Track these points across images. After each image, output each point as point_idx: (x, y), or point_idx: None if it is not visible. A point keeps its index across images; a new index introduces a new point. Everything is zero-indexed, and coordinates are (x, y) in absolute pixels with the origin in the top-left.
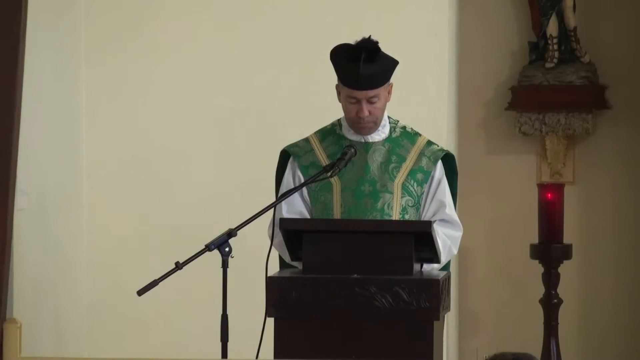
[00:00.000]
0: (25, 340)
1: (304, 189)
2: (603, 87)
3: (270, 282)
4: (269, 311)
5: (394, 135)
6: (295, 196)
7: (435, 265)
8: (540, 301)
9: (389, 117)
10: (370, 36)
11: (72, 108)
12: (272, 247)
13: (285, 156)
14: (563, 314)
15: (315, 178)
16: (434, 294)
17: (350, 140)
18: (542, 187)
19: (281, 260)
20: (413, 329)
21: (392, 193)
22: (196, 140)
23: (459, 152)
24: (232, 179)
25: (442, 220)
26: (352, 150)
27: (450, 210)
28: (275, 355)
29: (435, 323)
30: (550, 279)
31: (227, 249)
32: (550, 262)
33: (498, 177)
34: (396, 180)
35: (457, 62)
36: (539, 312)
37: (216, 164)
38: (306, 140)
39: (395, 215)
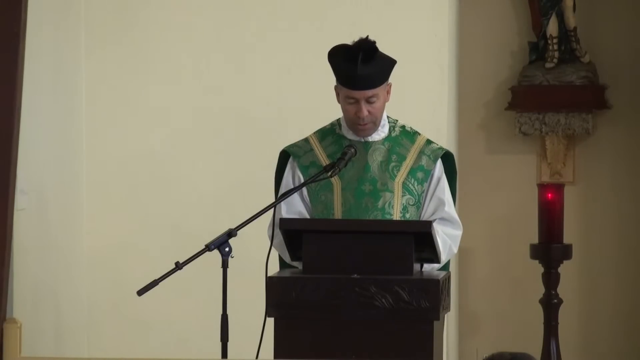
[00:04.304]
0: (25, 340)
1: (304, 189)
2: (603, 87)
3: (270, 282)
4: (269, 311)
5: (393, 134)
6: (295, 196)
7: (435, 265)
8: (540, 301)
9: (387, 117)
10: (367, 36)
11: (72, 108)
12: (272, 247)
13: (284, 156)
14: (563, 314)
15: (316, 178)
16: (434, 294)
17: (349, 140)
18: (542, 187)
19: (281, 260)
20: (413, 329)
21: (392, 192)
22: (196, 140)
23: (459, 152)
24: (232, 179)
25: (441, 218)
26: (352, 150)
27: (449, 209)
28: (275, 355)
29: (435, 323)
30: (550, 279)
31: (227, 249)
32: (550, 262)
33: (498, 177)
34: (396, 179)
35: (457, 62)
36: (539, 312)
37: (216, 164)
38: (305, 140)
39: (396, 214)
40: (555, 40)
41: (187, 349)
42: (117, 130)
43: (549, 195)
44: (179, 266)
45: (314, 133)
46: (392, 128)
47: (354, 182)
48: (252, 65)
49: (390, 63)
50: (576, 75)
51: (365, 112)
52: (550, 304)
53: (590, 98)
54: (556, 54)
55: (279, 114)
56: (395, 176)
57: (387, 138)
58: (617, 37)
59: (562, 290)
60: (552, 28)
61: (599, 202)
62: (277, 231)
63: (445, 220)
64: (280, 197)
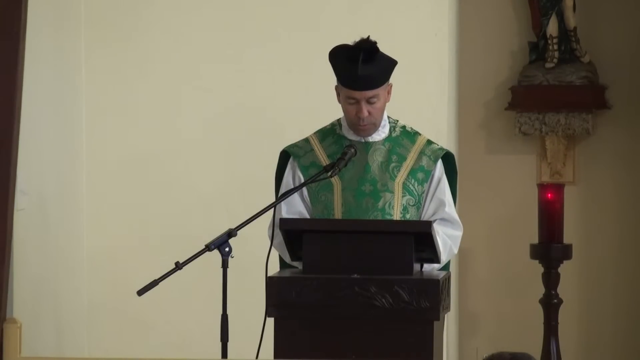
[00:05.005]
0: (25, 340)
1: (304, 189)
2: (603, 87)
3: (270, 282)
4: (269, 311)
5: (394, 134)
6: (295, 196)
7: (436, 265)
8: (540, 301)
9: (388, 117)
10: (368, 36)
11: (72, 108)
12: (272, 247)
13: (285, 156)
14: (563, 314)
15: (316, 178)
16: (434, 294)
17: (350, 140)
18: (542, 187)
19: (281, 260)
20: (413, 329)
21: (392, 192)
22: (196, 140)
23: (459, 152)
24: (232, 179)
25: (442, 219)
26: (352, 150)
27: (450, 209)
28: (275, 355)
29: (435, 323)
30: (550, 279)
31: (227, 249)
32: (550, 262)
33: (498, 177)
34: (397, 180)
35: (457, 62)
36: (539, 312)
37: (216, 164)
38: (306, 140)
39: (396, 215)
40: (555, 40)
41: (187, 349)
42: (117, 130)
43: (549, 195)
44: (179, 266)
45: (315, 133)
46: (392, 128)
47: (354, 183)
48: (252, 65)
49: (391, 63)
50: (576, 75)
51: (365, 113)
52: (550, 304)
53: (590, 98)
54: (556, 54)
55: (279, 113)
56: (396, 176)
57: (388, 138)
58: (617, 37)
59: (562, 290)
60: (552, 28)
61: (599, 202)
62: (277, 231)
63: (445, 220)
64: (280, 197)
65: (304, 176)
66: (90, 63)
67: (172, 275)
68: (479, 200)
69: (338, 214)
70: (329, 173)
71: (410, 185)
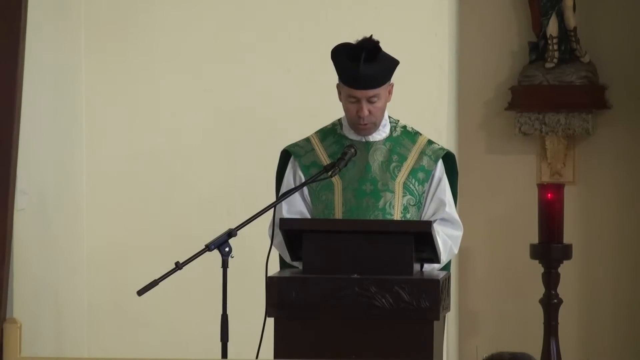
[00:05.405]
0: (25, 340)
1: (305, 189)
2: (603, 87)
3: (270, 282)
4: (269, 311)
5: (394, 134)
6: (296, 196)
7: (436, 265)
8: (540, 301)
9: (389, 117)
10: (371, 36)
11: (72, 108)
12: (273, 247)
13: (286, 156)
14: (563, 314)
15: (316, 178)
16: (434, 294)
17: (351, 140)
18: (542, 187)
19: (281, 260)
20: (413, 329)
21: (393, 192)
22: (196, 140)
23: (459, 152)
24: (232, 179)
25: (442, 219)
26: (352, 150)
27: (450, 209)
28: (275, 355)
29: (435, 323)
30: (550, 279)
31: (227, 249)
32: (550, 262)
33: (498, 177)
34: (397, 179)
35: (457, 62)
36: (539, 312)
37: (216, 164)
38: (307, 140)
39: (397, 215)
40: (555, 40)
41: (187, 349)
42: (117, 130)
43: (549, 195)
44: (179, 266)
45: (315, 133)
46: (393, 128)
47: (355, 182)
48: (252, 65)
49: (393, 63)
50: (576, 75)
51: (366, 112)
52: (550, 304)
53: (590, 98)
54: (556, 54)
55: (279, 114)
56: (396, 176)
57: (389, 138)
58: (617, 37)
59: (562, 290)
60: (552, 28)
61: (599, 202)
62: (277, 231)
63: (445, 220)
64: (280, 197)
65: (304, 176)
66: (90, 63)
67: (172, 275)
68: (479, 200)
69: (339, 213)
70: (329, 173)
71: (411, 185)
